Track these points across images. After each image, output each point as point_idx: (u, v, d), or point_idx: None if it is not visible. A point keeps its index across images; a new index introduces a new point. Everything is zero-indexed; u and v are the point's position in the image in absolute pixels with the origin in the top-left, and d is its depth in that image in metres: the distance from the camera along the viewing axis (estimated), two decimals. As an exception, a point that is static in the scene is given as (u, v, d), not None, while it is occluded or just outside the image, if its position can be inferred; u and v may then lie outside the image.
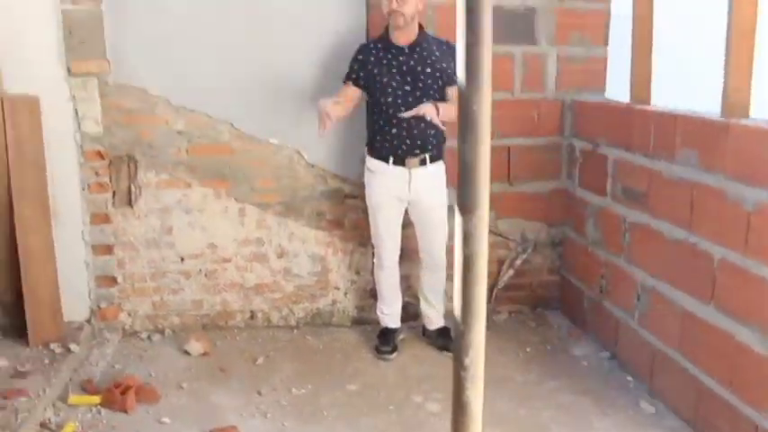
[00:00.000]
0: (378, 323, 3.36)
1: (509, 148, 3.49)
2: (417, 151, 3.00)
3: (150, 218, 3.35)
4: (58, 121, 3.18)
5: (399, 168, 3.02)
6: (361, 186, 3.36)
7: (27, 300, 3.16)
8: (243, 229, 3.39)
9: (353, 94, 3.05)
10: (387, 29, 3.02)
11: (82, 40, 3.12)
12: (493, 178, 3.29)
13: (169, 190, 3.33)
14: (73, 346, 3.17)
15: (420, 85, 2.97)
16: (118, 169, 3.30)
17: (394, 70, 2.98)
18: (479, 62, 0.96)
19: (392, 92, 2.98)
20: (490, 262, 3.53)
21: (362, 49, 3.07)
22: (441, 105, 2.90)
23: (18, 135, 3.12)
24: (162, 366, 3.14)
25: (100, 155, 3.25)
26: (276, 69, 3.26)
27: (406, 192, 3.05)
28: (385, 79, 2.98)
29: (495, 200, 3.38)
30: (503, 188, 3.52)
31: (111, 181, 3.30)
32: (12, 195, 3.12)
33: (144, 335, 3.44)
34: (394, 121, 2.98)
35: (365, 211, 3.38)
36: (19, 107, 3.11)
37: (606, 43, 3.47)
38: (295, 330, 3.50)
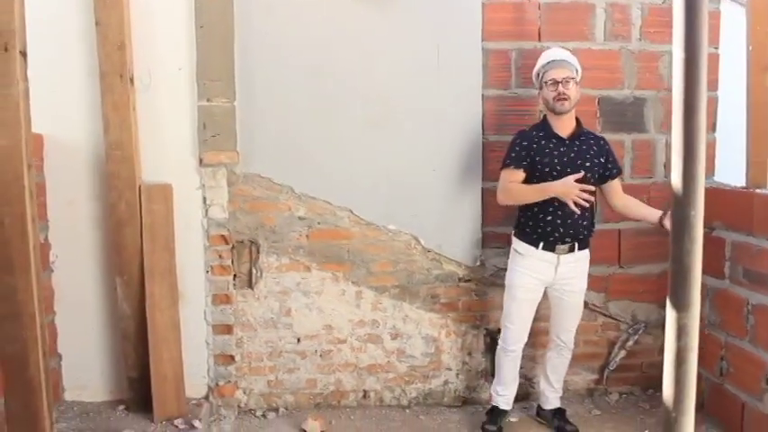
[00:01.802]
0: (487, 403, 3.40)
1: (619, 230, 3.54)
2: (569, 239, 3.04)
3: (269, 299, 3.46)
4: (188, 207, 3.35)
5: (548, 254, 3.06)
6: (475, 270, 3.45)
7: (153, 376, 3.29)
8: (359, 311, 3.48)
9: (520, 178, 3.08)
10: (545, 118, 3.11)
11: (214, 134, 3.30)
12: (603, 260, 3.40)
13: (289, 273, 3.45)
14: (196, 423, 3.27)
15: (580, 179, 3.00)
16: (240, 253, 3.43)
17: (555, 160, 3.02)
18: (696, 175, 1.04)
19: (552, 180, 3.01)
20: (600, 344, 3.57)
21: (524, 136, 3.10)
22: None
23: (152, 220, 3.29)
24: (282, 446, 3.22)
25: (224, 239, 3.39)
26: (394, 159, 3.39)
27: (552, 276, 3.08)
28: (547, 169, 3.02)
29: (605, 281, 3.48)
30: (613, 270, 3.57)
31: (233, 264, 3.43)
32: (144, 275, 3.29)
33: (258, 412, 3.52)
34: (550, 209, 3.01)
35: (478, 293, 3.48)
36: (154, 194, 3.30)
37: (714, 129, 3.53)
38: (407, 410, 3.55)
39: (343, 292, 3.47)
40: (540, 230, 3.05)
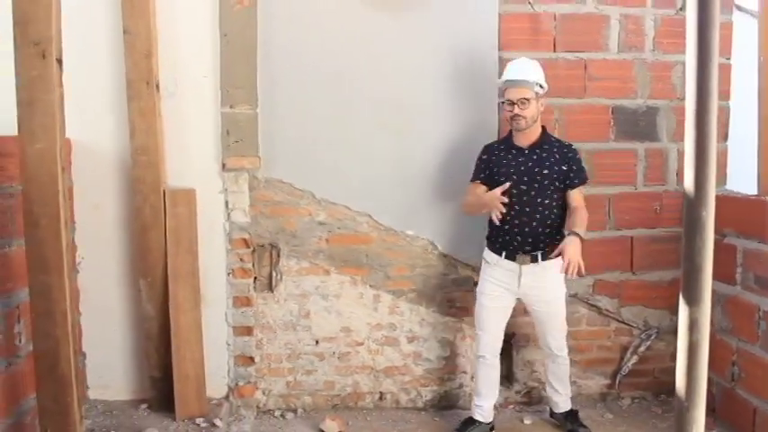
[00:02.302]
0: (501, 407, 3.49)
1: (632, 238, 3.61)
2: (528, 248, 3.08)
3: (289, 302, 3.54)
4: (211, 211, 3.44)
5: (511, 263, 3.12)
6: (490, 275, 3.52)
7: (176, 376, 3.38)
8: (376, 315, 3.56)
9: (481, 191, 3.17)
10: (511, 130, 3.18)
11: (237, 139, 3.39)
12: (616, 267, 3.45)
13: (308, 276, 3.52)
14: (217, 421, 3.35)
15: (536, 185, 3.07)
16: (261, 256, 3.51)
17: (512, 170, 3.10)
18: (707, 178, 1.12)
19: (508, 190, 3.08)
20: (613, 349, 3.63)
21: (486, 149, 3.24)
22: (581, 229, 2.98)
23: (176, 224, 3.38)
24: (301, 445, 3.29)
25: (245, 243, 3.47)
26: (412, 166, 3.47)
27: (516, 286, 3.13)
28: (503, 179, 3.10)
29: (618, 287, 3.54)
30: (626, 277, 3.63)
31: (254, 267, 3.51)
32: (167, 278, 3.37)
33: (277, 413, 3.59)
34: (508, 217, 3.07)
35: (493, 298, 3.53)
36: (178, 199, 3.39)
37: (726, 139, 3.60)
38: (423, 412, 3.61)
39: (362, 296, 3.55)
40: (501, 240, 3.14)
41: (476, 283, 3.54)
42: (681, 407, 1.28)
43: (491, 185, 3.14)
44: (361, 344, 3.58)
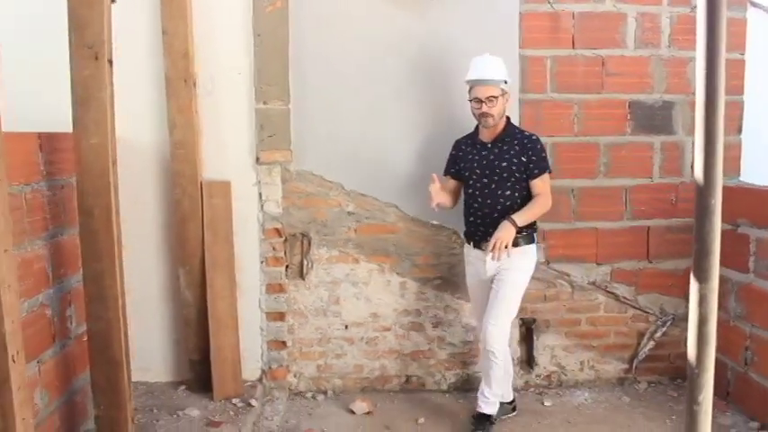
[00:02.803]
0: (522, 389, 3.65)
1: (648, 228, 3.75)
2: (490, 238, 3.12)
3: (320, 289, 3.72)
4: (245, 202, 3.62)
5: (478, 251, 3.28)
6: (512, 263, 3.68)
7: (213, 359, 3.56)
8: (403, 301, 3.73)
9: (452, 185, 3.38)
10: (477, 126, 3.32)
11: (270, 134, 3.57)
12: (633, 256, 3.60)
13: (338, 264, 3.70)
14: (253, 401, 3.53)
15: (496, 178, 3.20)
16: (293, 245, 3.69)
17: (476, 164, 3.26)
18: (715, 169, 1.27)
19: (472, 184, 3.27)
20: (630, 335, 3.78)
21: (456, 145, 3.41)
22: (519, 216, 3.09)
23: (213, 215, 3.56)
24: (332, 423, 3.46)
25: (278, 232, 3.65)
26: (436, 159, 3.61)
27: (484, 272, 3.26)
28: (467, 173, 3.29)
29: (635, 275, 3.69)
30: (642, 265, 3.77)
31: (286, 255, 3.69)
32: (205, 266, 3.56)
33: (308, 395, 3.77)
34: (471, 210, 3.28)
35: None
36: (215, 191, 3.57)
37: (740, 132, 3.73)
38: (447, 394, 3.78)
39: (389, 283, 3.72)
40: (468, 229, 3.33)
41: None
42: (692, 373, 1.45)
43: (460, 179, 3.35)
44: (389, 329, 3.76)
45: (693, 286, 1.37)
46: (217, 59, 3.54)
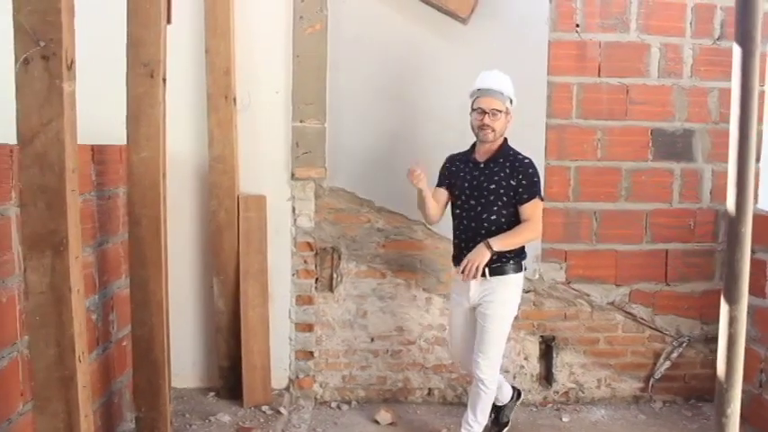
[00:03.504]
0: (540, 405, 3.76)
1: (667, 251, 3.87)
2: None
3: (347, 302, 3.84)
4: (279, 216, 3.75)
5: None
6: (534, 282, 3.82)
7: (244, 366, 3.68)
8: (428, 316, 3.85)
9: (440, 196, 3.25)
10: (474, 143, 3.22)
11: (306, 151, 3.71)
12: (651, 278, 3.71)
13: (366, 279, 3.83)
14: (282, 409, 3.64)
15: (483, 200, 3.07)
16: (323, 259, 3.82)
17: (466, 184, 3.14)
18: (746, 201, 1.41)
19: (460, 204, 3.17)
20: (647, 354, 3.89)
21: (449, 159, 3.31)
22: (497, 241, 2.99)
23: (248, 227, 3.70)
24: (357, 433, 3.58)
25: (309, 246, 3.78)
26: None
27: (467, 298, 3.14)
28: (457, 192, 3.19)
29: (652, 297, 3.81)
30: (660, 287, 3.89)
31: (316, 268, 3.81)
32: (239, 276, 3.68)
33: (333, 404, 3.88)
34: (457, 231, 3.19)
35: (536, 303, 3.84)
36: (250, 204, 3.70)
37: (759, 159, 3.85)
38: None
39: (415, 298, 3.84)
40: (455, 251, 3.21)
41: (521, 289, 3.83)
42: (721, 388, 1.59)
43: (450, 196, 3.25)
44: (413, 342, 3.87)
45: (724, 308, 1.50)
46: (256, 77, 3.69)
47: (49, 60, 2.01)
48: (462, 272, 3.01)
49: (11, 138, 2.13)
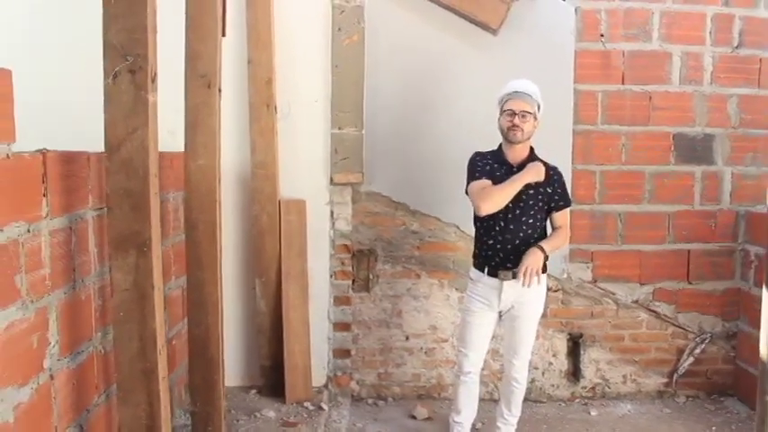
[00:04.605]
0: (568, 400, 3.92)
1: (689, 251, 4.04)
2: (510, 265, 3.08)
3: (383, 302, 4.00)
4: (318, 219, 3.90)
5: (493, 280, 3.12)
6: (563, 281, 3.98)
7: (286, 365, 3.82)
8: (460, 314, 3.99)
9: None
10: (500, 146, 3.20)
11: (344, 157, 3.86)
12: (674, 277, 3.87)
13: (401, 279, 3.99)
14: (323, 405, 3.78)
15: (521, 204, 3.07)
16: (360, 260, 3.97)
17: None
18: None
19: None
20: (670, 350, 4.05)
21: (481, 156, 3.22)
22: (547, 245, 3.06)
23: (289, 230, 3.85)
24: (396, 427, 3.74)
25: (347, 248, 3.93)
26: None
27: (497, 303, 3.14)
28: None
29: (675, 295, 3.97)
30: (683, 286, 4.06)
31: (353, 270, 3.97)
32: (281, 278, 3.83)
33: (369, 401, 4.04)
34: (492, 233, 3.13)
35: (564, 302, 3.99)
36: (291, 208, 3.85)
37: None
38: (498, 403, 4.03)
39: (448, 298, 4.00)
40: (483, 255, 3.17)
41: (549, 288, 3.99)
42: (764, 369, 1.78)
43: None
44: (446, 340, 4.03)
45: (765, 296, 1.68)
46: (296, 87, 3.84)
47: (136, 74, 2.16)
48: (522, 276, 3.00)
49: (83, 146, 2.29)
